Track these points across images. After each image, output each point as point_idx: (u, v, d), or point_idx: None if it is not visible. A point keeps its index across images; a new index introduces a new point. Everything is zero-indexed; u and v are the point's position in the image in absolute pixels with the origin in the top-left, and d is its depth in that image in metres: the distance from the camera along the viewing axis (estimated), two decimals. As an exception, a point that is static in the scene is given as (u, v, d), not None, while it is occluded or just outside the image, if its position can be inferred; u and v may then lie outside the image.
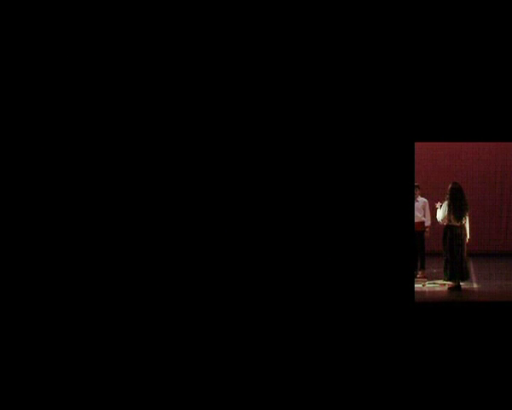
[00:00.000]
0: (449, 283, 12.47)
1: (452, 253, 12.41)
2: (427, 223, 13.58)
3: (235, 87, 8.96)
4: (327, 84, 8.98)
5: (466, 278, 12.53)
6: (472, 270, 13.64)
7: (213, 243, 8.85)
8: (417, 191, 13.63)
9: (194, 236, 8.87)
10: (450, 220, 12.45)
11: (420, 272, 13.54)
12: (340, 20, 8.95)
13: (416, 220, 13.47)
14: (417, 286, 12.73)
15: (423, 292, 12.33)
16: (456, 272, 12.40)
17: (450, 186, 12.60)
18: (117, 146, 8.86)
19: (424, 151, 16.81)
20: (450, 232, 12.44)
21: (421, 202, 13.60)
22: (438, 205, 12.67)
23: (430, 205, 13.57)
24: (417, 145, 16.16)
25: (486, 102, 9.10)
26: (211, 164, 8.92)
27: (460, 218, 12.40)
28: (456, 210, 12.40)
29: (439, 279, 12.88)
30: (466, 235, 12.50)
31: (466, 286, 12.50)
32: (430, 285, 12.82)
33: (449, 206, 12.44)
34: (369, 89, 8.98)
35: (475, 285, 12.79)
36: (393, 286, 8.85)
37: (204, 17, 8.93)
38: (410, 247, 9.02)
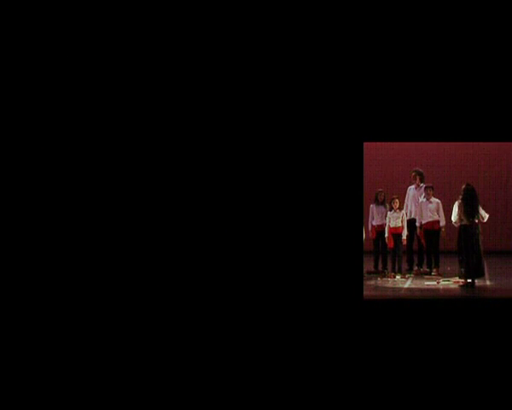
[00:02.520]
0: (462, 280, 12.76)
1: (465, 251, 12.67)
2: (442, 223, 13.86)
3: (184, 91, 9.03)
4: (272, 83, 9.01)
5: (481, 275, 12.77)
6: (486, 268, 13.91)
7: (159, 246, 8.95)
8: (430, 192, 14.02)
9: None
10: (462, 220, 12.68)
11: (435, 270, 13.89)
12: (287, 20, 8.97)
13: (429, 220, 13.91)
14: (432, 283, 13.15)
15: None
16: (470, 270, 12.67)
17: (463, 187, 12.85)
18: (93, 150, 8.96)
19: (441, 152, 17.12)
20: (464, 231, 12.70)
21: (434, 202, 13.92)
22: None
23: (444, 205, 13.89)
24: (433, 146, 16.62)
25: (437, 101, 9.15)
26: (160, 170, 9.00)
27: (472, 217, 12.66)
28: (468, 210, 12.66)
29: (453, 277, 13.20)
30: (481, 233, 12.75)
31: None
32: (444, 283, 13.11)
33: (460, 205, 12.70)
34: (316, 89, 9.01)
35: (488, 282, 13.09)
36: (343, 284, 8.92)
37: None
38: (359, 246, 9.14)
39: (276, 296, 8.90)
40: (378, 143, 16.44)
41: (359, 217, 9.20)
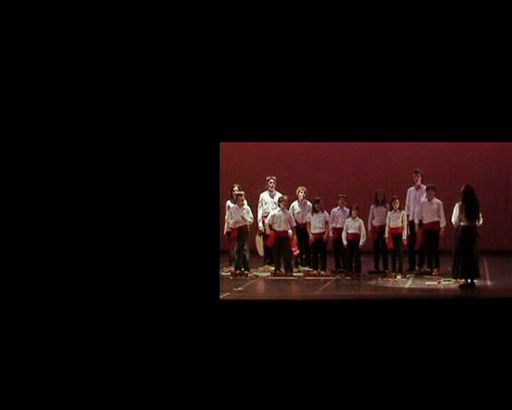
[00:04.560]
0: (462, 280, 12.72)
1: (462, 252, 12.61)
2: (442, 224, 13.81)
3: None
4: (123, 80, 8.90)
5: (476, 277, 12.74)
6: (483, 269, 13.93)
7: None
8: (432, 193, 14.03)
9: None
10: (461, 220, 12.62)
11: (435, 270, 13.89)
12: (137, 19, 8.87)
13: (429, 221, 13.95)
14: (432, 283, 13.19)
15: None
16: (467, 271, 12.64)
17: (462, 188, 12.77)
18: None
19: (440, 152, 17.15)
20: (462, 232, 12.65)
21: (435, 203, 13.90)
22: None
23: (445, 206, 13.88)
24: (431, 147, 16.67)
25: (294, 101, 9.10)
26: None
27: (472, 218, 12.60)
28: (469, 211, 12.59)
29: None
30: (479, 235, 12.69)
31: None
32: (445, 282, 13.11)
33: (461, 207, 12.63)
34: (172, 91, 8.91)
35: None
36: (199, 285, 8.86)
37: None
38: (215, 247, 9.06)
39: (131, 297, 8.83)
40: (379, 143, 16.49)
41: (215, 218, 9.11)
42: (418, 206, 14.09)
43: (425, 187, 14.23)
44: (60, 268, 8.84)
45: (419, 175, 14.37)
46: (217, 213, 9.15)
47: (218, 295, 9.24)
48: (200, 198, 8.91)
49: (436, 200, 13.92)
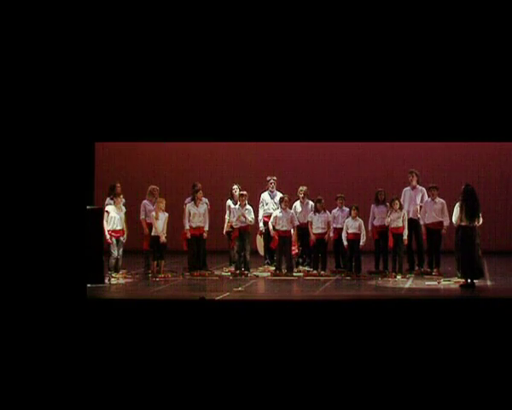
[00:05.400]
0: (462, 280, 12.73)
1: (463, 252, 12.59)
2: (446, 223, 13.77)
3: None
4: None
5: (479, 276, 12.74)
6: (486, 268, 13.93)
7: None
8: (435, 192, 14.01)
9: None
10: (461, 220, 12.61)
11: (435, 270, 13.90)
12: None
13: (432, 221, 13.95)
14: (432, 283, 13.21)
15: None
16: (468, 271, 12.63)
17: (462, 188, 12.75)
18: None
19: (440, 152, 17.18)
20: (462, 232, 12.62)
21: (439, 203, 13.88)
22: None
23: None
24: (431, 147, 16.71)
25: (167, 101, 9.25)
26: None
27: (472, 218, 12.57)
28: (469, 211, 12.56)
29: (454, 277, 13.12)
30: (479, 234, 12.67)
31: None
32: (445, 282, 13.11)
33: (461, 206, 12.61)
34: (48, 92, 8.89)
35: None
36: (65, 284, 8.86)
37: None
38: (82, 248, 9.09)
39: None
40: (379, 143, 16.50)
41: (82, 218, 9.13)
42: (414, 206, 14.15)
43: (420, 187, 14.27)
44: None
45: (414, 175, 14.39)
46: (83, 215, 9.17)
47: (85, 294, 9.32)
48: (71, 198, 8.91)
49: (439, 199, 13.91)
